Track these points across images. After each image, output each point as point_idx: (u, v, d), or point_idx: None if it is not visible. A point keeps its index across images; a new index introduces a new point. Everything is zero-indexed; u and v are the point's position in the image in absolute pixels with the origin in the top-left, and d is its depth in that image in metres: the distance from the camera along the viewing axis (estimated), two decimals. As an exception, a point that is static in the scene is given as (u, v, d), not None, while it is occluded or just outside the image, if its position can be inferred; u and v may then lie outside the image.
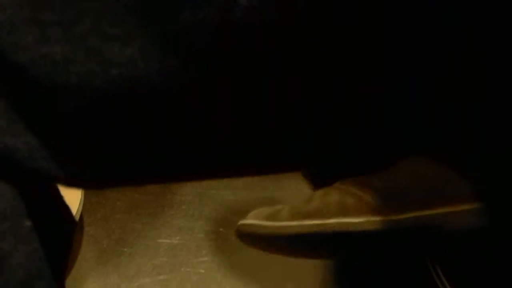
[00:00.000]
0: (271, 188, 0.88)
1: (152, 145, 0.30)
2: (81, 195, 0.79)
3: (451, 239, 0.61)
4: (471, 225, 0.58)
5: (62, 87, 0.28)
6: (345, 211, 0.61)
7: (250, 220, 0.66)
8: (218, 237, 0.83)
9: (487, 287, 0.62)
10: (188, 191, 0.91)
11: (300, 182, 0.71)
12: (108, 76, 0.27)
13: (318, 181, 0.68)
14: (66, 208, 0.38)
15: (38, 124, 0.29)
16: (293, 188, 0.85)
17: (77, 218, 0.79)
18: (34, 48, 0.27)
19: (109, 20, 0.27)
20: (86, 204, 0.82)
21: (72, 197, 0.77)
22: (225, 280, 0.76)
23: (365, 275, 0.77)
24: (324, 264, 0.77)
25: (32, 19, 0.27)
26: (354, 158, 0.32)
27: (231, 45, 0.27)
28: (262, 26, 0.27)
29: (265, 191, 0.86)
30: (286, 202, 0.68)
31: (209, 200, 0.89)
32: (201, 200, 0.89)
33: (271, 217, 0.65)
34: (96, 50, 0.27)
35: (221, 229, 0.84)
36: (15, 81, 0.28)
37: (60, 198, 0.37)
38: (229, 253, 0.80)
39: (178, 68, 0.27)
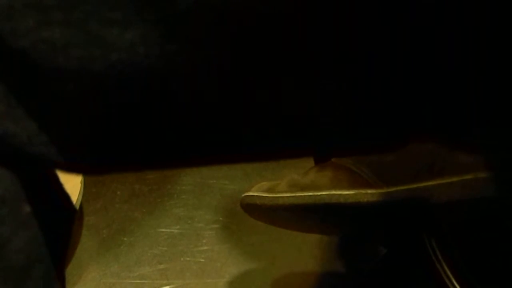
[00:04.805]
0: (270, 178, 0.88)
1: (153, 130, 0.30)
2: (81, 184, 0.79)
3: (442, 211, 0.62)
4: (459, 197, 0.59)
5: (62, 72, 0.28)
6: (338, 184, 0.64)
7: (252, 192, 0.69)
8: (218, 226, 0.83)
9: (481, 260, 0.63)
10: (188, 180, 0.91)
11: (299, 171, 0.71)
12: (108, 61, 0.27)
13: (319, 158, 0.70)
14: (65, 195, 0.38)
15: (37, 109, 0.29)
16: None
17: (77, 207, 0.79)
18: (34, 32, 0.27)
19: (109, 4, 0.27)
20: (86, 194, 0.83)
21: (72, 187, 0.77)
22: (224, 268, 0.76)
23: (362, 250, 0.78)
24: (324, 254, 0.78)
25: (31, 3, 0.27)
26: (366, 142, 0.32)
27: (230, 29, 0.27)
28: (261, 9, 0.26)
29: (264, 181, 0.86)
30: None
31: (209, 190, 0.89)
32: (200, 190, 0.89)
33: (271, 189, 0.68)
34: (96, 35, 0.27)
35: (220, 218, 0.84)
36: (15, 66, 0.28)
37: (59, 185, 0.37)
38: (228, 242, 0.80)
39: (178, 52, 0.27)
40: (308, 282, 0.76)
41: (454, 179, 0.59)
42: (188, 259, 0.78)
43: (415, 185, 0.61)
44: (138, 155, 0.31)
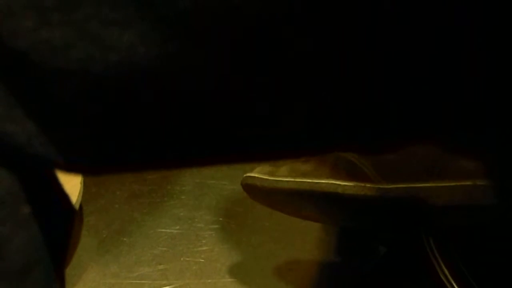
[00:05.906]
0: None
1: (153, 130, 0.30)
2: (81, 185, 0.79)
3: (440, 214, 0.63)
4: (457, 202, 0.59)
5: (61, 73, 0.28)
6: (337, 174, 0.64)
7: (253, 174, 0.70)
8: (218, 227, 0.83)
9: (480, 260, 0.63)
10: (188, 181, 0.91)
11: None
12: (107, 62, 0.27)
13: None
14: (65, 196, 0.38)
15: (37, 110, 0.29)
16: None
17: (77, 207, 0.79)
18: (33, 33, 0.27)
19: (109, 4, 0.27)
20: (85, 194, 0.83)
21: (72, 187, 0.77)
22: (224, 269, 0.76)
23: (362, 250, 0.78)
24: (324, 254, 0.78)
25: (31, 4, 0.27)
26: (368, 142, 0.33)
27: (230, 29, 0.27)
28: (260, 9, 0.26)
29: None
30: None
31: (209, 190, 0.89)
32: (200, 190, 0.89)
33: (272, 172, 0.69)
34: (96, 35, 0.27)
35: (220, 219, 0.84)
36: (14, 67, 0.28)
37: (59, 186, 0.37)
38: (228, 242, 0.80)
39: (178, 52, 0.27)
40: (308, 282, 0.76)
41: (453, 183, 0.60)
42: (188, 259, 0.78)
43: (413, 185, 0.61)
44: (138, 155, 0.31)
